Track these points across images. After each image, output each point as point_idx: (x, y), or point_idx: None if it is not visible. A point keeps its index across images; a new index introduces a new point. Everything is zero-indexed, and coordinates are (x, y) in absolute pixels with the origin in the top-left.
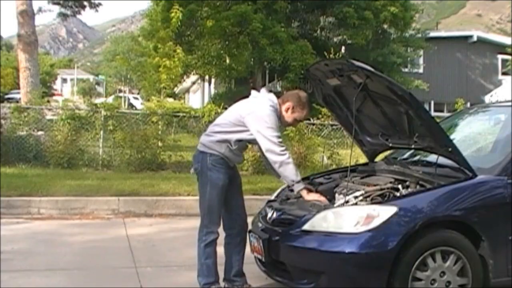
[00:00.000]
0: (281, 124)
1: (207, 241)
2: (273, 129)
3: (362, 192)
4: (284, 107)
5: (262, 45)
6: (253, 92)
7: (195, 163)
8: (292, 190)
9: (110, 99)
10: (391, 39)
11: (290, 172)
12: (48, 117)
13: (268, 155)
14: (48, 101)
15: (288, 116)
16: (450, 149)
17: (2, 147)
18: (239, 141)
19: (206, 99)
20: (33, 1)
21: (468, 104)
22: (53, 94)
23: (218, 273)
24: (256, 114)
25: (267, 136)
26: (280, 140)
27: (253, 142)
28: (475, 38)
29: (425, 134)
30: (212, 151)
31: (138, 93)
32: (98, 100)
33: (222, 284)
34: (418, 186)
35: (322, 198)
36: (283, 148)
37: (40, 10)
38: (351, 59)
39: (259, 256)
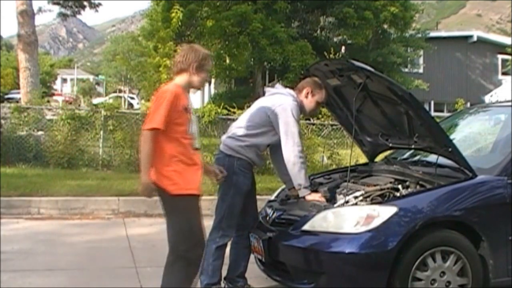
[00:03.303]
0: (305, 113)
1: (219, 243)
2: (297, 125)
3: (362, 192)
4: (303, 94)
5: (262, 45)
6: (267, 89)
7: (220, 166)
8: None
9: (106, 99)
10: (391, 39)
11: (300, 176)
12: (48, 117)
13: (285, 152)
14: (48, 101)
15: (310, 101)
16: (450, 149)
17: (2, 147)
18: (267, 145)
19: (206, 99)
20: (33, 1)
21: (468, 104)
22: (53, 94)
23: (221, 274)
24: (285, 106)
25: (292, 131)
26: (300, 141)
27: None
28: (475, 38)
29: (425, 134)
30: (240, 155)
31: (137, 94)
32: (95, 100)
33: (222, 284)
34: (418, 186)
35: (322, 199)
36: (300, 149)
37: (40, 10)
38: (351, 59)
39: (259, 256)
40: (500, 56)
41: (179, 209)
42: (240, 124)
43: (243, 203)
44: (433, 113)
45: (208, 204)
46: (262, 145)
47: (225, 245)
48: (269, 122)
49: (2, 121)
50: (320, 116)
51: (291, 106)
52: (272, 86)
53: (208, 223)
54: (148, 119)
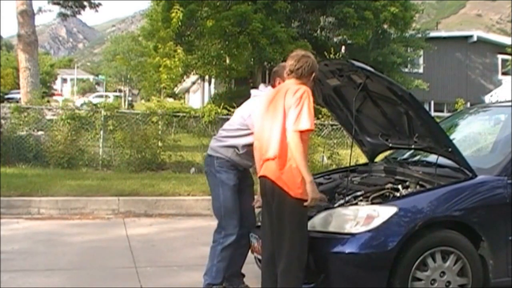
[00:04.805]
0: None
1: (224, 244)
2: None
3: (362, 192)
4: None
5: (262, 45)
6: (252, 91)
7: (205, 167)
8: None
9: (91, 98)
10: (391, 39)
11: None
12: (48, 117)
13: None
14: (48, 101)
15: None
16: (450, 149)
17: (2, 147)
18: (246, 145)
19: (206, 99)
20: (33, 1)
21: (468, 104)
22: (53, 94)
23: (225, 276)
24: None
25: None
26: None
27: None
28: (475, 38)
29: (425, 134)
30: (218, 154)
31: (136, 93)
32: (79, 101)
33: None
34: (418, 186)
35: (322, 196)
36: None
37: (40, 10)
38: (351, 59)
39: (259, 256)
40: (500, 56)
41: (301, 213)
42: (225, 126)
43: (238, 200)
44: (433, 113)
45: (208, 204)
46: (239, 145)
47: (231, 245)
48: (245, 125)
49: (2, 121)
50: (320, 116)
51: None
52: (257, 88)
53: (207, 223)
54: (297, 120)
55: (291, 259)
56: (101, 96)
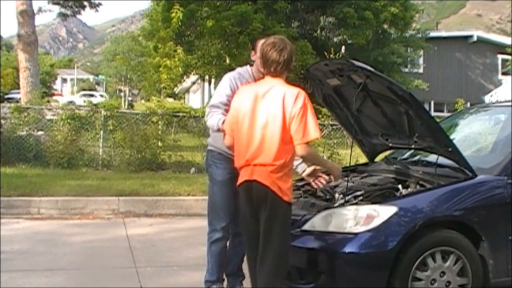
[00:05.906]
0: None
1: (211, 239)
2: (218, 96)
3: (362, 192)
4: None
5: None
6: (238, 68)
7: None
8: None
9: (77, 97)
10: (391, 39)
11: (211, 122)
12: (48, 117)
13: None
14: (48, 101)
15: (256, 58)
16: (450, 149)
17: (2, 147)
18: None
19: (206, 99)
20: (33, 1)
21: (468, 104)
22: (53, 94)
23: (221, 273)
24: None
25: (214, 99)
26: (216, 104)
27: None
28: (475, 38)
29: (425, 134)
30: (210, 147)
31: (136, 93)
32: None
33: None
34: (418, 186)
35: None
36: (209, 110)
37: (40, 10)
38: (351, 59)
39: None
40: (500, 56)
41: (290, 217)
42: None
43: (228, 197)
44: (433, 113)
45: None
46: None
47: (218, 240)
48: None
49: (2, 121)
50: (320, 116)
51: (228, 76)
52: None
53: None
54: (305, 131)
55: (280, 261)
56: (90, 95)
